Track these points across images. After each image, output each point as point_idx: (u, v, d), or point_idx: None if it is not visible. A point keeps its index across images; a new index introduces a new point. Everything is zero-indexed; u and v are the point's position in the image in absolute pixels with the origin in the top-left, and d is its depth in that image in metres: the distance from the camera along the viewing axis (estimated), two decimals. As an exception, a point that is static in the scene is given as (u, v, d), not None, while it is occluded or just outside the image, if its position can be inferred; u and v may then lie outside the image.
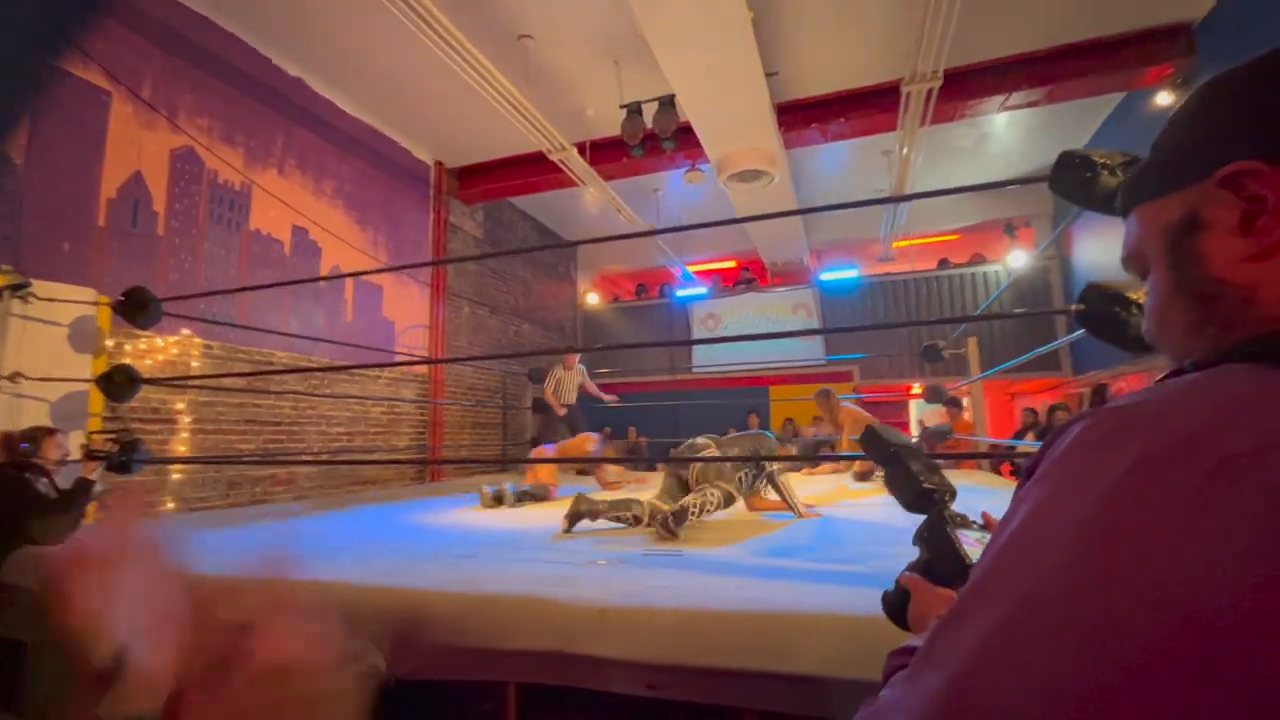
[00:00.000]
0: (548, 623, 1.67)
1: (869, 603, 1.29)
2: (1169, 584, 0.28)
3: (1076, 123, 6.44)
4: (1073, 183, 1.71)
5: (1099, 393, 6.80)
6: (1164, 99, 4.94)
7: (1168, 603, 0.28)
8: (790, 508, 3.04)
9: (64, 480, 2.47)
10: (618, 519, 2.84)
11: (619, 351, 9.71)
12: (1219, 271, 0.42)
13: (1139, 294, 1.66)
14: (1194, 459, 0.31)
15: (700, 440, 3.08)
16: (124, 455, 2.61)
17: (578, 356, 6.49)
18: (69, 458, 2.59)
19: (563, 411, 6.33)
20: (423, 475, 6.03)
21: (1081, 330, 1.80)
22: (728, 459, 2.84)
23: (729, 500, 2.89)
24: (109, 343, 3.50)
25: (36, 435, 2.47)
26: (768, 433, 3.36)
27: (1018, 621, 0.32)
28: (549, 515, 3.68)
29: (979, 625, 0.33)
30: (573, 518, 2.83)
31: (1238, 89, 0.43)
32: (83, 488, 2.43)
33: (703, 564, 2.16)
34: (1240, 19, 4.24)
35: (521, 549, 2.63)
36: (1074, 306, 1.72)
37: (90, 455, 2.51)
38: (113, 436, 2.66)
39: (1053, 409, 3.31)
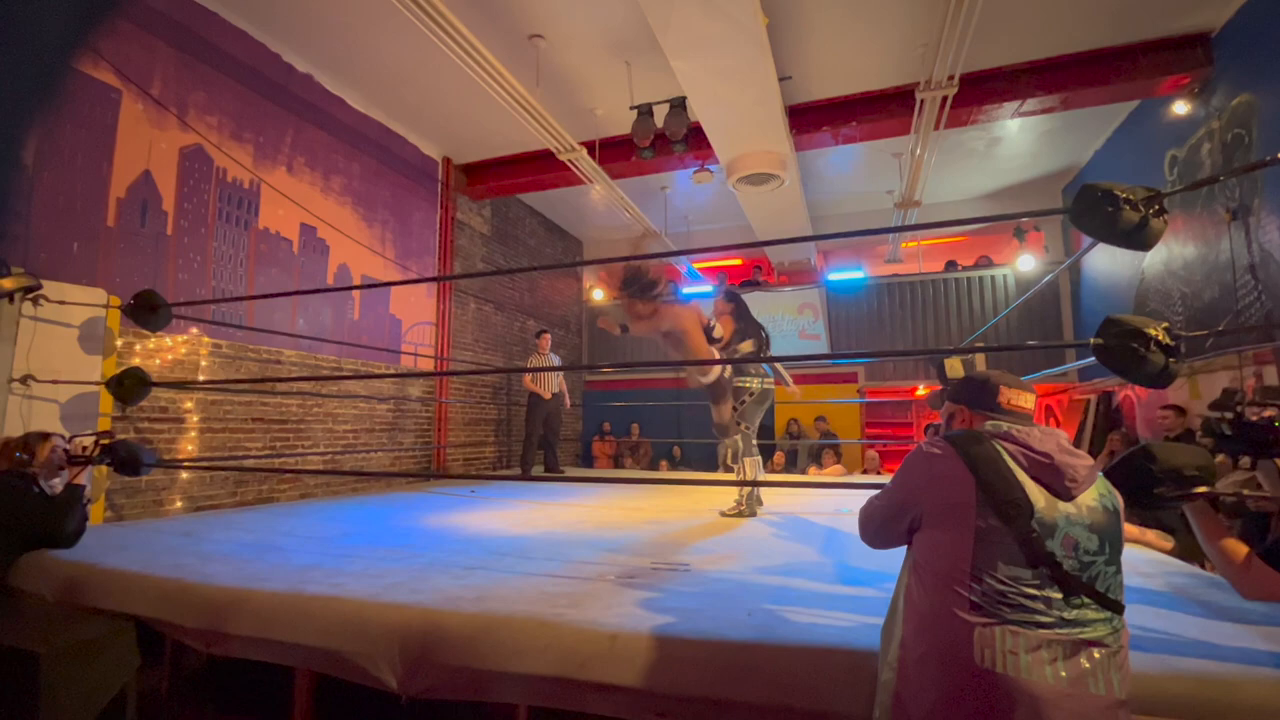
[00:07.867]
0: (558, 647, 1.68)
1: (875, 635, 1.30)
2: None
3: (1089, 129, 6.38)
4: (1095, 217, 1.69)
5: (1106, 400, 6.79)
6: (1180, 108, 4.88)
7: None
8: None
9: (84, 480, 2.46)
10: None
11: (622, 349, 9.69)
12: None
13: (1158, 330, 1.64)
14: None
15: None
16: (103, 458, 2.59)
17: (549, 342, 6.45)
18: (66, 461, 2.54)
19: (548, 396, 6.25)
20: (428, 470, 6.06)
21: (1092, 358, 1.78)
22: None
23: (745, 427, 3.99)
24: (119, 342, 3.51)
25: (30, 440, 2.41)
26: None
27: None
28: (554, 519, 3.69)
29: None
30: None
31: None
32: (71, 494, 2.40)
33: (709, 585, 2.16)
34: (1258, 29, 4.18)
35: (529, 559, 2.64)
36: (1092, 340, 1.71)
37: (72, 460, 2.46)
38: (97, 438, 2.62)
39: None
